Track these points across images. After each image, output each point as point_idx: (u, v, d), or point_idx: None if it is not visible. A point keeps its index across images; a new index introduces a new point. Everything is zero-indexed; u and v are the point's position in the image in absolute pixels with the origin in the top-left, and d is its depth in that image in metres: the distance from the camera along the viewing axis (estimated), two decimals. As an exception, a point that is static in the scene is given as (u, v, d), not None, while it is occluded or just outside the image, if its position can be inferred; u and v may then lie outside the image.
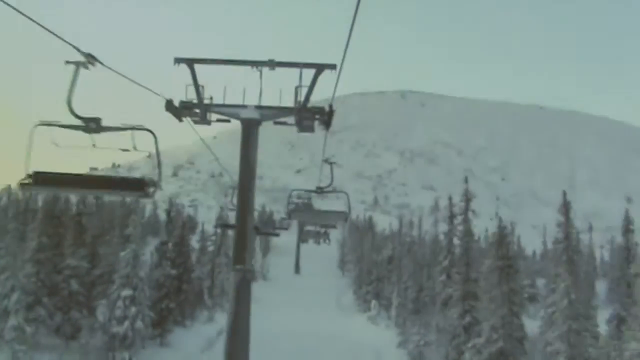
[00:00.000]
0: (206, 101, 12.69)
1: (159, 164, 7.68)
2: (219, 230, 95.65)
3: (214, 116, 13.30)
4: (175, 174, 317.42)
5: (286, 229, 31.57)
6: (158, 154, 7.66)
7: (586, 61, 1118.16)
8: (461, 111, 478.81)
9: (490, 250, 47.76)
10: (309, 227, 39.49)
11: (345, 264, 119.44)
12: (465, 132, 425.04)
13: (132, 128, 7.29)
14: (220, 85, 12.92)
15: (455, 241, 54.91)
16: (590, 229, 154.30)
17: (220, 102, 13.03)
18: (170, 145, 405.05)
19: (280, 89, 12.62)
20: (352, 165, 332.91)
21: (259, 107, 12.72)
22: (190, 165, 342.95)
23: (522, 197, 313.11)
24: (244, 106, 12.83)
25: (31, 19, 5.78)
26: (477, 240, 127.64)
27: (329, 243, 46.34)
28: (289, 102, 12.21)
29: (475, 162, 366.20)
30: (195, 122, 13.07)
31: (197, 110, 12.90)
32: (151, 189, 7.34)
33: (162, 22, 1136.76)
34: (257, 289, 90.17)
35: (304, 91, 11.91)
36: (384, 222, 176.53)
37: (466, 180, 52.09)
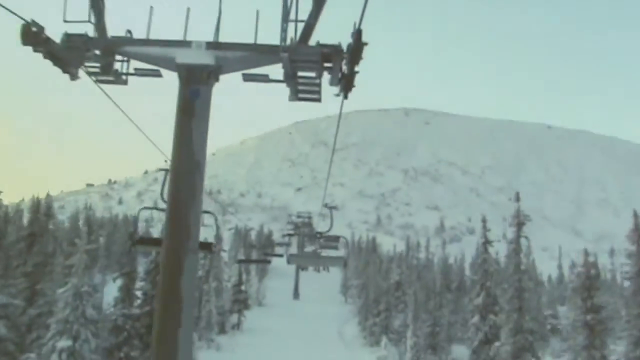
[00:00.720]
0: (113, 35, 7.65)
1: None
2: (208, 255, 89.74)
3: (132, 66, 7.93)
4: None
5: (281, 256, 30.72)
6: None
7: (594, 80, 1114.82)
8: (466, 129, 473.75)
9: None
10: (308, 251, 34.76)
11: (348, 289, 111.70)
12: (470, 151, 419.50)
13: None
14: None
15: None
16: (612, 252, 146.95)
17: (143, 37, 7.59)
18: (162, 162, 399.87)
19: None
20: (354, 184, 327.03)
21: (212, 45, 7.35)
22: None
23: (530, 218, 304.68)
24: (184, 43, 7.41)
25: None
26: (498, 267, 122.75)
27: (329, 270, 41.01)
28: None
29: (480, 182, 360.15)
30: (96, 77, 7.78)
31: (96, 52, 7.62)
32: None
33: None
34: (252, 317, 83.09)
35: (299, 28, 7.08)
36: (388, 243, 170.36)
37: (517, 199, 41.82)
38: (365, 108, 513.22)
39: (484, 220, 45.04)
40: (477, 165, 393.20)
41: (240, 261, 67.95)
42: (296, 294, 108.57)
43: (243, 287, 76.08)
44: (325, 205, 19.53)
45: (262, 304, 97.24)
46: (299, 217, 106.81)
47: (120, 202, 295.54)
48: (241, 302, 72.14)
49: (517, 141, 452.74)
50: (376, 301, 70.85)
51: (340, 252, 21.35)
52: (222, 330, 66.80)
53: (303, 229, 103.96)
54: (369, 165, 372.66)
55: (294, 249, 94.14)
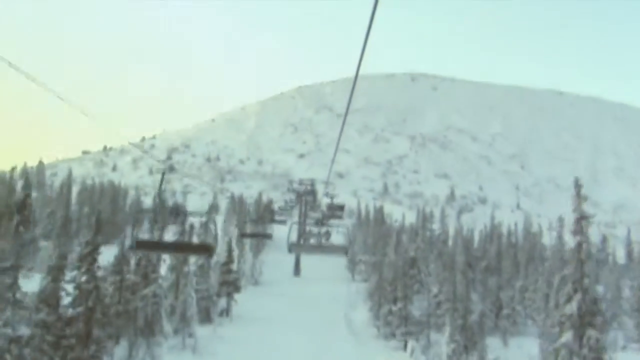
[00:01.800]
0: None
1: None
2: (202, 218, 78.24)
3: None
4: (169, 158, 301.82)
5: (284, 222, 33.18)
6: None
7: (605, 46, 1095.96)
8: (475, 96, 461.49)
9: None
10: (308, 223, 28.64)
11: (355, 265, 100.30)
12: (479, 118, 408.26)
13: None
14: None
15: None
16: None
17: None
18: (165, 128, 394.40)
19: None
20: (359, 150, 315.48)
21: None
22: (186, 148, 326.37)
23: (543, 187, 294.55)
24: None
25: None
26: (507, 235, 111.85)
27: (329, 236, 30.59)
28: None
29: (491, 149, 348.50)
30: None
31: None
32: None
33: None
34: (245, 299, 71.76)
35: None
36: (396, 213, 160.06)
37: (578, 186, 30.89)
38: (370, 73, 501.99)
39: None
40: (487, 132, 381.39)
41: (242, 235, 66.68)
42: (297, 271, 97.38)
43: (234, 266, 64.58)
44: (326, 195, 21.92)
45: (258, 282, 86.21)
46: (300, 184, 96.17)
47: (114, 169, 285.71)
48: (230, 284, 60.88)
49: (528, 108, 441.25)
50: (392, 284, 59.48)
51: (345, 221, 20.67)
52: (207, 319, 55.64)
53: (305, 196, 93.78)
54: (375, 131, 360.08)
55: (294, 219, 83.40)
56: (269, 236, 49.67)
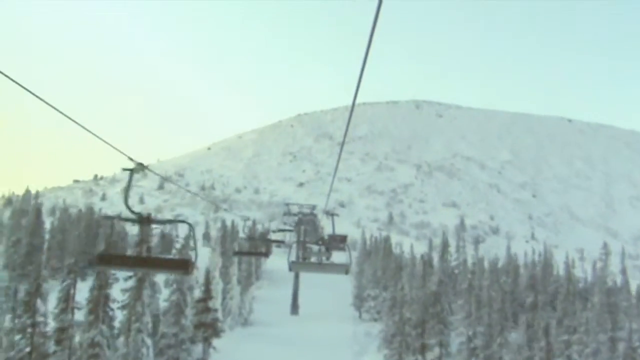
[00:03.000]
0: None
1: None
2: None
3: None
4: (161, 187, 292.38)
5: (282, 242, 26.51)
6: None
7: (612, 73, 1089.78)
8: (481, 123, 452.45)
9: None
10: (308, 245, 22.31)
11: (362, 301, 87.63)
12: (487, 145, 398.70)
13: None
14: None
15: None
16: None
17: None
18: (159, 158, 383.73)
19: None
20: (362, 179, 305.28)
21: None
22: (179, 177, 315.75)
23: (557, 217, 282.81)
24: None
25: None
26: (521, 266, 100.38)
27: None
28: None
29: (500, 178, 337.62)
30: None
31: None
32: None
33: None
34: (231, 343, 59.87)
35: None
36: (404, 244, 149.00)
37: None
38: (373, 100, 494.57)
39: None
40: (496, 160, 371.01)
41: (235, 253, 50.31)
42: (295, 307, 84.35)
43: (215, 303, 52.04)
44: (327, 213, 19.35)
45: (248, 322, 73.90)
46: (299, 212, 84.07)
47: (103, 198, 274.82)
48: (208, 327, 48.69)
49: (537, 135, 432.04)
50: (417, 327, 47.29)
51: (347, 254, 16.06)
52: (176, 374, 43.36)
53: (306, 225, 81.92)
54: (378, 160, 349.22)
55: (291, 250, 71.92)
56: (266, 255, 38.74)
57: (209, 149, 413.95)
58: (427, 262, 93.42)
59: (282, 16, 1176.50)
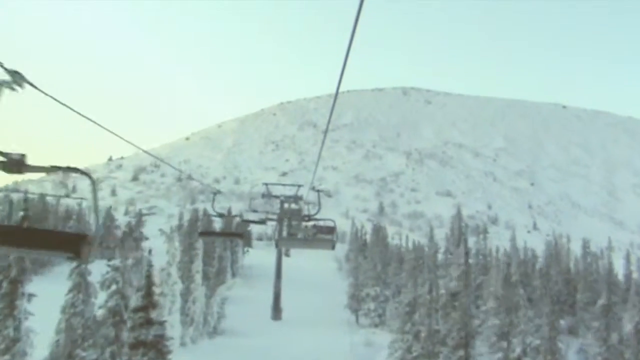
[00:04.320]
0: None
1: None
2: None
3: None
4: (135, 178, 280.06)
5: (263, 222, 22.22)
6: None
7: (606, 59, 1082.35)
8: (472, 110, 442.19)
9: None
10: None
11: (360, 302, 73.22)
12: (480, 133, 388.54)
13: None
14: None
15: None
16: None
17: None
18: (135, 149, 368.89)
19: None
20: (349, 168, 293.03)
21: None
22: (155, 168, 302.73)
23: (558, 206, 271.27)
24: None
25: None
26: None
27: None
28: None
29: (496, 165, 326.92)
30: None
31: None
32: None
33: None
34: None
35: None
36: (397, 236, 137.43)
37: None
38: (358, 88, 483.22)
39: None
40: (490, 147, 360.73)
41: (201, 234, 39.11)
42: (276, 311, 70.01)
43: (157, 314, 37.39)
44: (313, 189, 18.40)
45: (218, 331, 59.61)
46: (282, 195, 71.29)
47: (73, 190, 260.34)
48: (149, 348, 34.55)
49: (531, 122, 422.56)
50: (444, 342, 33.45)
51: (332, 218, 16.78)
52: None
53: (289, 214, 68.92)
54: (365, 148, 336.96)
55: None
56: (241, 235, 24.97)
57: (187, 139, 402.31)
58: (425, 256, 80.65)
59: (265, 2, 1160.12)
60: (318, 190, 18.09)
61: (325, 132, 12.07)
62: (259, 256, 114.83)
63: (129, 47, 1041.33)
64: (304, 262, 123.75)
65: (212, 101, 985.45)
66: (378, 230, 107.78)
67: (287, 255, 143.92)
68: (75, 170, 5.40)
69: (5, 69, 5.01)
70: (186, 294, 53.84)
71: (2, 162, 5.34)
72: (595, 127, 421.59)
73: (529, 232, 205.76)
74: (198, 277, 56.86)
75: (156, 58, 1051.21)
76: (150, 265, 36.60)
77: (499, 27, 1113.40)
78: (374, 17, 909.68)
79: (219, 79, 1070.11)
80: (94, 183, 5.54)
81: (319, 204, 16.97)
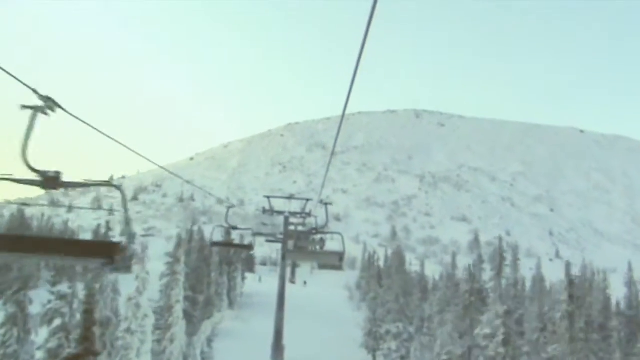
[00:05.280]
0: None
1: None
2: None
3: None
4: (135, 198, 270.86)
5: (251, 248, 24.05)
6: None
7: (623, 83, 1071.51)
8: (488, 133, 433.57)
9: None
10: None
11: (377, 340, 61.92)
12: (496, 157, 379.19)
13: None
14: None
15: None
16: None
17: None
18: (139, 169, 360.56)
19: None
20: (359, 191, 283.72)
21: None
22: (157, 188, 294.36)
23: (580, 233, 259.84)
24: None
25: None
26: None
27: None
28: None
29: (513, 190, 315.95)
30: None
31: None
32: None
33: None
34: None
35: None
36: (413, 263, 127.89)
37: None
38: (369, 110, 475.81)
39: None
40: (506, 171, 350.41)
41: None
42: (278, 350, 59.69)
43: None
44: (321, 202, 18.76)
45: (206, 375, 48.68)
46: (287, 211, 61.81)
47: (69, 210, 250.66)
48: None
49: (549, 146, 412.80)
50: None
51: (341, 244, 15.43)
52: None
53: (296, 224, 60.85)
54: (376, 170, 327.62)
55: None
56: (250, 248, 26.09)
57: (191, 159, 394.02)
58: (452, 283, 69.46)
59: (274, 21, 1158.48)
60: (326, 203, 18.28)
61: (332, 152, 11.63)
62: (261, 282, 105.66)
63: (136, 67, 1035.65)
64: (310, 289, 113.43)
65: (218, 122, 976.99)
66: (397, 256, 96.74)
67: (292, 282, 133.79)
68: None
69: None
70: (163, 331, 43.09)
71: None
72: (615, 152, 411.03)
73: (551, 260, 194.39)
74: (178, 308, 45.75)
75: (165, 80, 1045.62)
76: (91, 292, 25.98)
77: (514, 50, 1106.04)
78: (387, 38, 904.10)
79: (226, 99, 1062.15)
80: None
81: (327, 217, 17.27)
